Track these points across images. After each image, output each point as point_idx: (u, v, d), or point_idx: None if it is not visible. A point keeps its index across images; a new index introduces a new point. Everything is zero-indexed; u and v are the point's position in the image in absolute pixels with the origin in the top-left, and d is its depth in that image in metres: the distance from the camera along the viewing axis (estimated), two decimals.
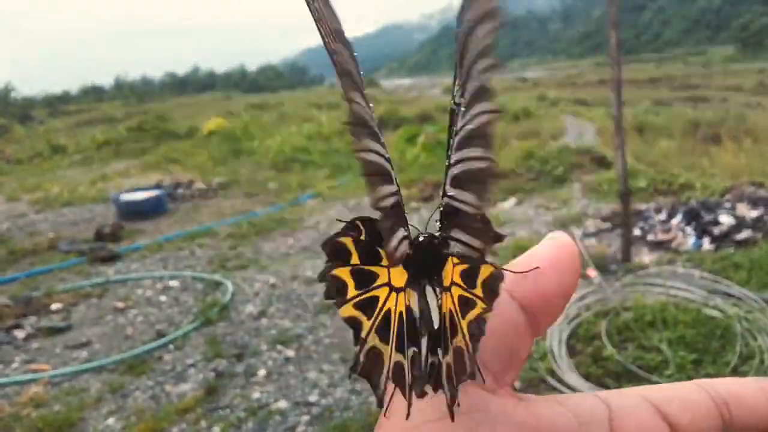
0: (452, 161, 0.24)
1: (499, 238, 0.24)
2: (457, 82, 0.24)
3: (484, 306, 0.23)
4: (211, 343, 2.99)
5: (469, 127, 0.23)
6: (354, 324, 0.24)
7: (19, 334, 3.24)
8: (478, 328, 0.23)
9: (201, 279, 3.96)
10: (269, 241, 4.78)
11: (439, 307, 0.25)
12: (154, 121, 12.80)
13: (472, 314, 0.23)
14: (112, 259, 4.47)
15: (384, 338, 0.24)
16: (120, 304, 3.60)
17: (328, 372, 2.69)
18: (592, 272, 3.45)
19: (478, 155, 0.23)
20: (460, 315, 0.24)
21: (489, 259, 0.24)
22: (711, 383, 0.28)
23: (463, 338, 0.23)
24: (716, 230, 3.87)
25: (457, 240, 0.24)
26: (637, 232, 4.10)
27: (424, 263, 0.26)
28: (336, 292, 0.25)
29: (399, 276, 0.25)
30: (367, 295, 0.25)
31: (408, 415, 0.23)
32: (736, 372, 2.33)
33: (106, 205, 6.34)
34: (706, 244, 3.78)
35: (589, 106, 14.38)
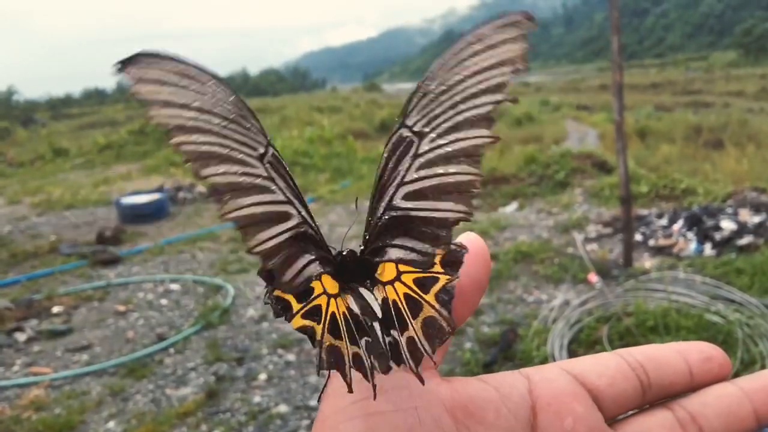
0: (407, 179, 0.28)
1: (449, 243, 0.27)
2: (417, 111, 0.28)
3: (447, 277, 0.27)
4: (212, 347, 2.99)
5: (448, 149, 0.27)
6: (306, 331, 0.27)
7: (20, 336, 3.24)
8: (446, 293, 0.27)
9: (202, 282, 3.96)
10: None
11: (384, 299, 0.28)
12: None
13: (437, 286, 0.27)
14: (113, 262, 4.48)
15: (337, 336, 0.27)
16: (121, 308, 3.60)
17: None
18: (593, 277, 3.44)
19: (462, 171, 0.27)
20: (420, 293, 0.27)
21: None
22: (628, 351, 0.31)
23: (431, 308, 0.27)
24: (718, 235, 3.86)
25: (400, 246, 0.28)
26: (638, 237, 4.09)
27: (354, 272, 0.29)
28: (282, 309, 0.28)
29: (330, 285, 0.29)
30: (310, 305, 0.28)
31: (375, 396, 0.26)
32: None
33: (108, 208, 6.35)
34: (708, 249, 3.77)
35: (591, 111, 14.40)
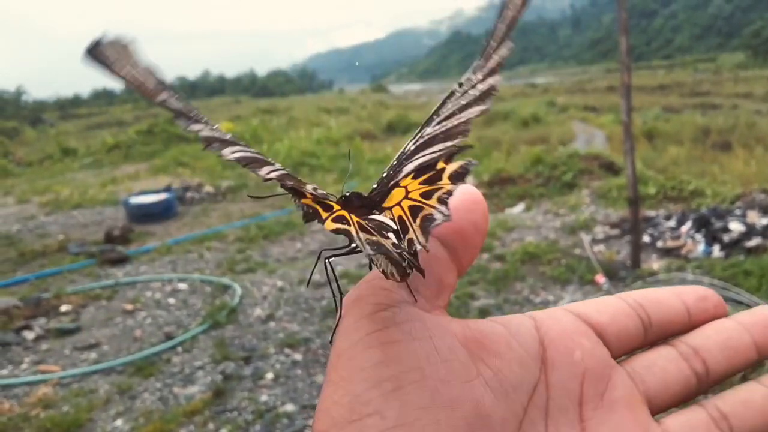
0: (443, 119, 0.31)
1: (465, 133, 0.30)
2: (478, 65, 0.30)
3: (450, 185, 0.28)
4: (219, 346, 3.00)
5: (474, 93, 0.30)
6: (343, 231, 0.27)
7: (29, 335, 3.26)
8: (448, 194, 0.28)
9: (209, 282, 3.97)
10: (277, 245, 4.79)
11: (393, 218, 0.29)
12: (164, 124, 12.85)
13: (439, 193, 0.28)
14: (121, 261, 4.49)
15: (369, 233, 0.28)
16: (129, 306, 3.61)
17: None
18: (600, 278, 3.44)
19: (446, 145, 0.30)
20: (424, 201, 0.28)
21: None
22: (627, 294, 0.32)
23: (430, 207, 0.28)
24: (726, 237, 3.85)
25: (431, 153, 0.30)
26: (646, 238, 4.08)
27: (360, 207, 0.30)
28: (312, 215, 0.28)
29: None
30: (336, 214, 0.28)
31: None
32: (744, 380, 2.31)
33: (116, 208, 6.38)
34: (716, 251, 3.76)
35: (599, 112, 14.35)
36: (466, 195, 0.29)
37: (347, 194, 0.30)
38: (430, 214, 0.27)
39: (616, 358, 0.30)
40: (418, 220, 0.27)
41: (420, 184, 0.29)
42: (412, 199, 0.29)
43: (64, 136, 14.57)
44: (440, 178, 0.29)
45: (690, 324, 0.32)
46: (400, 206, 0.29)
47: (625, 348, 0.31)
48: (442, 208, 0.27)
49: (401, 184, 0.30)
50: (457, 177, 0.28)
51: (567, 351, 0.29)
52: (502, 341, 0.28)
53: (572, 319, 0.30)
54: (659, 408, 0.30)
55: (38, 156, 11.87)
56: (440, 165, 0.30)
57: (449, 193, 0.28)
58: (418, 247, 0.27)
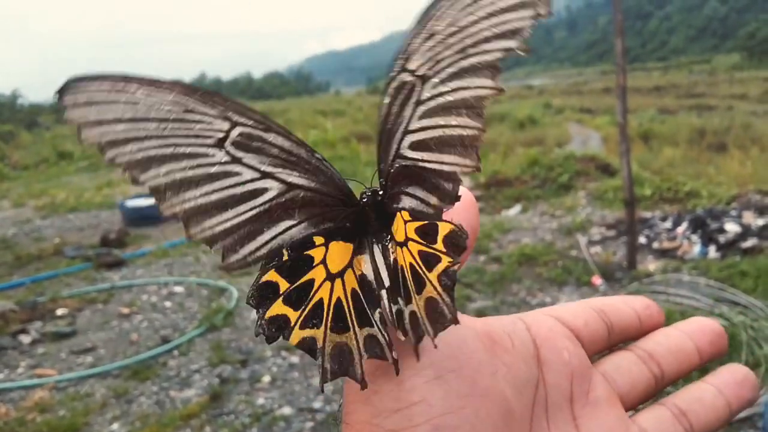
0: (411, 128, 0.27)
1: (456, 198, 0.26)
2: (421, 53, 0.26)
3: (449, 260, 0.25)
4: (216, 349, 3.00)
5: (449, 98, 0.26)
6: (305, 344, 0.26)
7: (25, 339, 3.25)
8: (449, 279, 0.25)
9: (206, 285, 3.97)
10: None
11: (395, 261, 0.27)
12: None
13: (439, 268, 0.25)
14: (117, 264, 4.49)
15: (342, 329, 0.26)
16: (125, 310, 3.61)
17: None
18: (597, 280, 3.44)
19: (464, 124, 0.26)
20: (424, 269, 0.25)
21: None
22: (586, 301, 0.34)
23: (434, 290, 0.25)
24: (722, 238, 3.86)
25: (412, 195, 0.27)
26: (642, 239, 4.09)
27: (370, 222, 0.28)
28: (278, 329, 0.26)
29: (339, 255, 0.27)
30: (311, 305, 0.26)
31: (398, 371, 0.26)
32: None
33: (112, 211, 6.36)
34: (712, 252, 3.77)
35: (594, 114, 14.38)
36: (461, 197, 0.29)
37: (365, 197, 0.28)
38: (435, 301, 0.25)
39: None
40: (422, 300, 0.25)
41: (416, 232, 0.26)
42: (412, 255, 0.26)
43: (60, 140, 14.52)
44: (435, 236, 0.26)
45: (641, 330, 0.34)
46: (404, 253, 0.26)
47: (594, 349, 0.33)
48: (447, 299, 0.25)
49: (403, 213, 0.27)
50: (452, 248, 0.25)
51: (557, 351, 0.31)
52: (507, 338, 0.29)
53: (554, 322, 0.32)
54: (626, 407, 0.32)
55: (34, 159, 11.84)
56: (441, 225, 0.26)
57: (451, 279, 0.25)
58: (425, 333, 0.25)
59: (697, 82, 25.90)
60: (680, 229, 4.12)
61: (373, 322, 0.26)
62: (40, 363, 3.01)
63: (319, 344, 0.26)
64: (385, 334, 0.26)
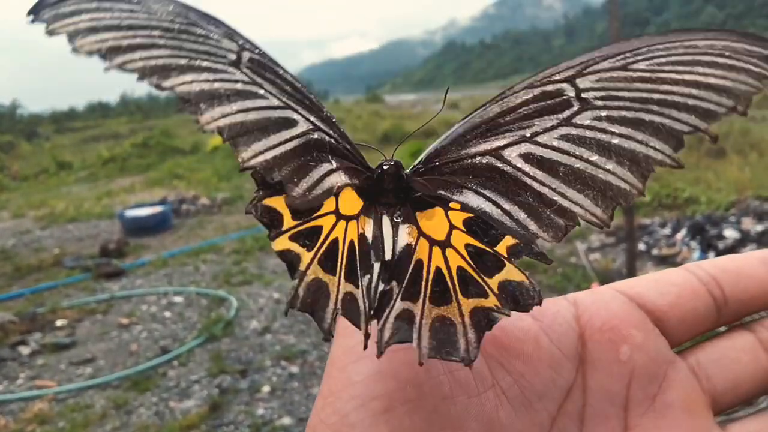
0: (538, 140, 0.23)
1: (564, 235, 0.23)
2: (598, 76, 0.23)
3: (497, 305, 0.22)
4: (216, 359, 2.99)
5: (614, 141, 0.22)
6: (288, 256, 0.23)
7: (24, 350, 3.24)
8: (486, 322, 0.22)
9: (205, 294, 3.96)
10: (273, 257, 4.76)
11: (407, 247, 0.23)
12: (159, 137, 12.85)
13: (481, 302, 0.22)
14: (117, 275, 4.48)
15: (329, 269, 0.23)
16: (124, 320, 3.60)
17: None
18: (596, 287, 3.44)
19: (621, 175, 0.23)
20: (458, 287, 0.22)
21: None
22: (698, 264, 0.26)
23: (459, 316, 0.22)
24: (721, 244, 3.85)
25: (493, 201, 0.23)
26: (641, 246, 4.09)
27: (385, 192, 0.25)
28: (270, 221, 0.23)
29: (350, 203, 0.24)
30: (308, 225, 0.24)
31: (365, 345, 0.22)
32: None
33: (112, 221, 6.35)
34: (712, 258, 3.76)
35: None
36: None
37: (386, 165, 0.25)
38: (453, 328, 0.22)
39: (678, 346, 0.25)
40: (434, 315, 0.22)
41: (467, 248, 0.23)
42: (461, 255, 0.23)
43: (60, 150, 14.55)
44: (493, 271, 0.22)
45: None
46: (445, 252, 0.23)
47: (691, 333, 0.26)
48: (473, 338, 0.22)
49: (450, 210, 0.24)
50: (508, 298, 0.22)
51: (612, 346, 0.24)
52: (529, 338, 0.24)
53: (622, 304, 0.25)
54: (725, 408, 0.25)
55: (33, 170, 11.84)
56: (502, 248, 0.23)
57: (490, 321, 0.22)
58: (413, 345, 0.22)
59: None
60: (679, 236, 4.12)
61: (360, 283, 0.23)
62: (40, 374, 3.00)
63: (302, 266, 0.23)
64: (367, 303, 0.23)
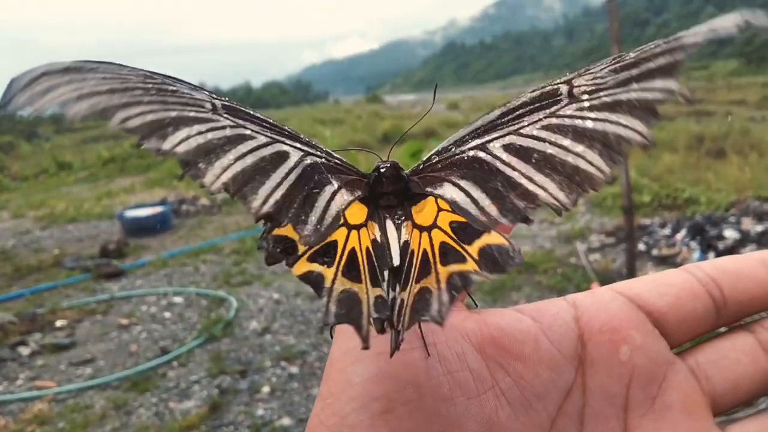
0: (522, 132, 0.24)
1: (524, 220, 0.23)
2: (591, 75, 0.23)
3: (476, 268, 0.22)
4: (215, 360, 2.99)
5: (588, 125, 0.22)
6: (311, 278, 0.23)
7: (24, 350, 3.24)
8: (462, 280, 0.22)
9: (205, 295, 3.96)
10: None
11: (405, 243, 0.24)
12: None
13: (458, 267, 0.22)
14: (116, 275, 4.48)
15: (354, 278, 0.23)
16: (124, 321, 3.60)
17: None
18: (596, 287, 3.43)
19: (589, 158, 0.22)
20: (438, 260, 0.22)
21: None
22: (697, 265, 0.26)
23: (436, 282, 0.22)
24: (721, 245, 3.85)
25: (462, 189, 0.24)
26: (641, 246, 4.09)
27: (385, 195, 0.25)
28: (283, 252, 0.23)
29: (356, 213, 0.25)
30: (322, 244, 0.24)
31: (392, 353, 0.22)
32: None
33: (111, 222, 6.35)
34: (711, 258, 3.75)
35: None
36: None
37: (383, 167, 0.26)
38: (429, 296, 0.22)
39: (678, 347, 0.26)
40: (416, 289, 0.22)
41: (451, 225, 0.23)
42: (446, 233, 0.23)
43: (59, 150, 14.56)
44: (473, 239, 0.23)
45: None
46: (430, 236, 0.23)
47: (690, 334, 0.26)
48: (446, 299, 0.21)
49: (440, 201, 0.24)
50: (488, 262, 0.22)
51: (611, 347, 0.24)
52: (529, 339, 0.24)
53: (622, 305, 0.25)
54: (725, 409, 0.25)
55: (33, 170, 11.84)
56: (490, 234, 0.23)
57: (466, 282, 0.22)
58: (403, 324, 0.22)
59: (696, 89, 25.91)
60: (679, 236, 4.12)
61: (384, 287, 0.23)
62: (40, 375, 3.00)
63: (327, 284, 0.23)
64: (389, 303, 0.23)
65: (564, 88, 0.24)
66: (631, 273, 3.59)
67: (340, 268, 0.23)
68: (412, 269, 0.23)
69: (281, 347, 3.09)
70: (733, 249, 3.79)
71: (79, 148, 15.90)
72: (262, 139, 0.24)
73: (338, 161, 0.26)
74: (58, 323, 3.60)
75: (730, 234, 3.96)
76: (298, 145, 0.25)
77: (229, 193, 0.22)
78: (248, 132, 0.24)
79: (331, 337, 0.25)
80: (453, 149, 0.25)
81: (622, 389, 0.24)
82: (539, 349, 0.24)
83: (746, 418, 0.25)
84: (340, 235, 0.24)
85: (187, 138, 0.22)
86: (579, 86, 0.24)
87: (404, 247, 0.24)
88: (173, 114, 0.22)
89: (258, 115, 0.25)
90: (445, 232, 0.23)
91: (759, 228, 4.00)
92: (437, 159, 0.25)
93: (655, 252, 4.01)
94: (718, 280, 0.26)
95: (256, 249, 0.24)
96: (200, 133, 0.22)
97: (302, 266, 0.23)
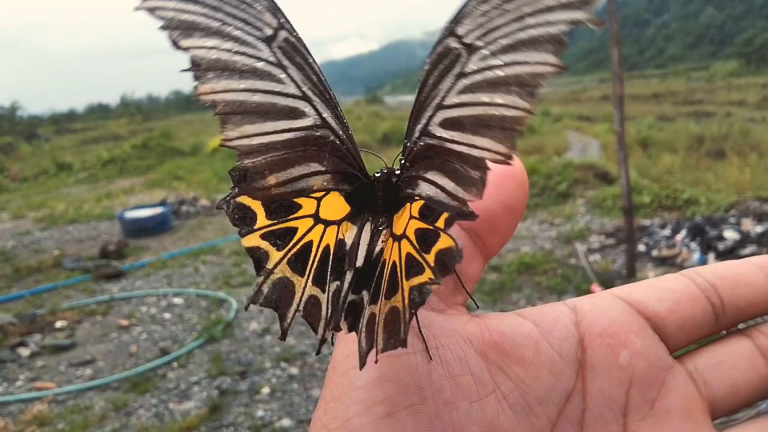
0: (446, 103, 0.23)
1: (482, 189, 0.22)
2: (473, 18, 0.22)
3: (431, 276, 0.22)
4: (215, 361, 2.99)
5: (499, 72, 0.21)
6: (257, 255, 0.23)
7: (24, 351, 3.24)
8: (419, 296, 0.21)
9: (205, 296, 3.96)
10: None
11: (380, 252, 0.23)
12: (159, 138, 12.86)
13: (417, 280, 0.22)
14: (116, 276, 4.48)
15: (298, 270, 0.24)
16: (124, 322, 3.60)
17: None
18: (596, 288, 3.44)
19: (511, 103, 0.21)
20: (404, 274, 0.22)
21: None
22: (696, 270, 0.26)
23: (402, 300, 0.22)
24: (721, 245, 3.85)
25: (432, 182, 0.23)
26: (641, 247, 4.09)
27: (375, 200, 0.25)
28: (240, 220, 0.23)
29: (335, 208, 0.24)
30: (282, 225, 0.24)
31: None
32: None
33: (111, 223, 6.36)
34: (711, 259, 3.76)
35: (593, 122, 14.42)
36: (500, 170, 0.24)
37: (380, 174, 0.25)
38: (397, 315, 0.22)
39: (677, 351, 0.26)
40: (386, 308, 0.22)
41: (416, 233, 0.23)
42: (411, 243, 0.23)
43: (59, 151, 14.57)
44: (432, 245, 0.22)
45: None
46: (400, 247, 0.23)
47: (689, 339, 0.26)
48: (407, 317, 0.21)
49: (414, 207, 0.24)
50: (439, 265, 0.22)
51: (611, 351, 0.25)
52: (530, 344, 0.24)
53: (622, 310, 0.25)
54: (723, 413, 0.25)
55: (33, 171, 11.85)
56: (441, 221, 0.22)
57: (423, 296, 0.21)
58: (371, 345, 0.22)
59: (695, 89, 25.96)
60: (679, 237, 4.12)
61: (326, 289, 0.24)
62: (39, 376, 3.00)
63: (269, 265, 0.24)
64: (329, 310, 0.23)
65: (453, 42, 0.22)
66: (631, 274, 3.60)
67: (288, 255, 0.24)
68: (383, 281, 0.23)
69: (281, 348, 3.09)
70: (733, 250, 3.79)
71: (79, 149, 15.90)
72: (290, 89, 0.24)
73: (351, 151, 0.25)
74: (58, 324, 3.60)
75: (730, 235, 3.96)
76: (326, 115, 0.24)
77: (214, 111, 0.22)
78: (282, 75, 0.23)
79: (332, 343, 0.25)
80: (408, 144, 0.24)
81: (621, 393, 0.24)
82: (540, 354, 0.24)
83: (744, 422, 0.25)
84: (303, 224, 0.24)
85: (212, 48, 0.22)
86: (466, 34, 0.22)
87: (378, 255, 0.24)
88: (213, 24, 0.22)
89: (315, 68, 0.24)
90: (411, 242, 0.23)
91: (759, 229, 4.00)
92: (404, 158, 0.25)
93: (655, 253, 4.01)
94: (716, 285, 0.26)
95: (216, 208, 0.24)
96: (229, 50, 0.22)
97: (253, 239, 0.24)
